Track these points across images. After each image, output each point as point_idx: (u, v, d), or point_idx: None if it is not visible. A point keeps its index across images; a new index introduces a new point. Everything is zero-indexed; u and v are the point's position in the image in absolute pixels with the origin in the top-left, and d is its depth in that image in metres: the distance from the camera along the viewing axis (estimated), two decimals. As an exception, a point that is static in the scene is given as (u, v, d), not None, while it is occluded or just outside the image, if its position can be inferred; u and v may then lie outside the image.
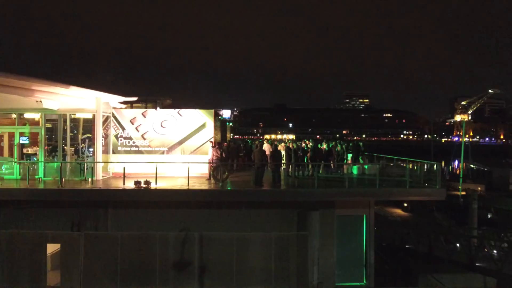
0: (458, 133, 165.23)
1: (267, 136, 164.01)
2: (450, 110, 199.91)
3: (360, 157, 21.60)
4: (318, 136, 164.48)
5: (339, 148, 18.72)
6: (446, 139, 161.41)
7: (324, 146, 18.92)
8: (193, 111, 17.70)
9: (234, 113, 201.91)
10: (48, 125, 17.91)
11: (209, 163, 15.76)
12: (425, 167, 16.17)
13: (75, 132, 19.99)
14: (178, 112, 17.54)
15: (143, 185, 13.62)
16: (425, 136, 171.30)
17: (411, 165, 19.88)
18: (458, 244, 17.86)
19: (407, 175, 13.70)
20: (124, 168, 14.11)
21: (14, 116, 17.04)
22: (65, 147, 17.41)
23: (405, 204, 30.82)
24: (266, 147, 20.99)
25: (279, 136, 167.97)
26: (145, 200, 13.87)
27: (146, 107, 22.68)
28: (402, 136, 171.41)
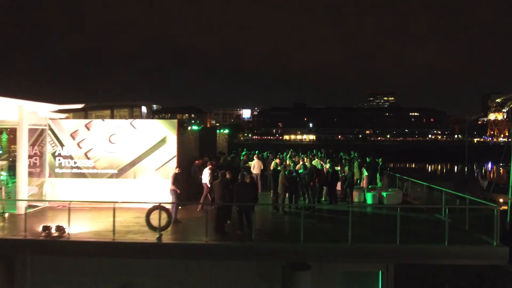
0: (492, 132, 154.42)
1: (287, 136, 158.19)
2: (483, 108, 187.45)
3: (378, 176, 16.81)
4: (339, 137, 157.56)
5: (346, 170, 13.94)
6: (479, 139, 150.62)
7: (327, 166, 14.24)
8: (150, 121, 13.54)
9: (254, 112, 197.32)
10: None
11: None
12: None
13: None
14: (131, 123, 13.38)
15: (54, 232, 9.51)
16: (455, 136, 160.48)
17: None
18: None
19: (447, 224, 8.86)
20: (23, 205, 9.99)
21: None
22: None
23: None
24: (255, 164, 16.54)
25: (298, 137, 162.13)
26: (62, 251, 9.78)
27: (112, 116, 18.72)
28: (430, 136, 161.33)
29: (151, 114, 32.45)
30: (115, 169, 13.25)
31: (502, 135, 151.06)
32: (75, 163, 13.37)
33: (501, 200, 35.68)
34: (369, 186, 15.57)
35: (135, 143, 13.21)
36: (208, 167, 13.07)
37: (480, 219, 10.56)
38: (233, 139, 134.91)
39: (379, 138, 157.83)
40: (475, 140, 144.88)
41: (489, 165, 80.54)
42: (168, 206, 10.16)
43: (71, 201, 10.36)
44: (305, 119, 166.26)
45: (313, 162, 16.41)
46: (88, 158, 13.32)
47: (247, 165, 16.34)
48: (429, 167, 77.66)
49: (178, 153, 13.17)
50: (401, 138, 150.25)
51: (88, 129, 13.39)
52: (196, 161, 14.63)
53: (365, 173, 16.76)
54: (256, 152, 22.91)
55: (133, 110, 21.57)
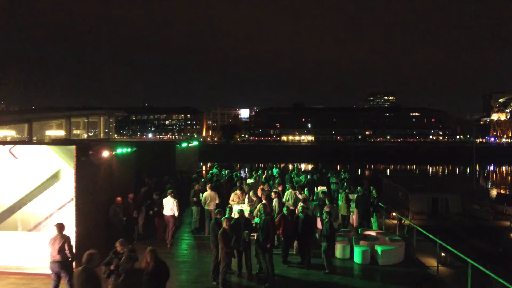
0: (494, 133, 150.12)
1: (285, 137, 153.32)
2: (485, 108, 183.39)
3: (373, 215, 12.67)
4: (338, 138, 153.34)
5: (324, 217, 9.69)
6: (481, 140, 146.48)
7: (300, 204, 10.08)
8: (36, 148, 9.38)
9: (252, 113, 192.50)
10: None
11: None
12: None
13: None
14: (10, 150, 9.25)
15: None
16: (457, 136, 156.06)
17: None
18: None
19: None
20: None
21: None
22: None
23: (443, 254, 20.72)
24: (207, 197, 12.30)
25: (297, 138, 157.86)
26: None
27: (30, 133, 14.54)
28: (431, 136, 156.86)
29: (113, 122, 28.19)
30: (-12, 217, 9.15)
31: (505, 136, 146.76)
32: None
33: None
34: (359, 230, 11.46)
35: (17, 180, 9.11)
36: (169, 196, 11.08)
37: None
38: (229, 141, 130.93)
39: (379, 139, 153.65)
40: (478, 140, 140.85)
41: (491, 167, 76.55)
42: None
43: None
44: (303, 119, 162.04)
45: (285, 194, 12.31)
46: (-49, 201, 9.23)
47: (194, 199, 12.16)
48: (431, 169, 73.68)
49: (78, 194, 9.05)
50: (401, 139, 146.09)
51: (-50, 158, 9.29)
52: (118, 198, 10.57)
53: (354, 208, 12.69)
54: (227, 171, 18.80)
55: (70, 121, 17.31)
